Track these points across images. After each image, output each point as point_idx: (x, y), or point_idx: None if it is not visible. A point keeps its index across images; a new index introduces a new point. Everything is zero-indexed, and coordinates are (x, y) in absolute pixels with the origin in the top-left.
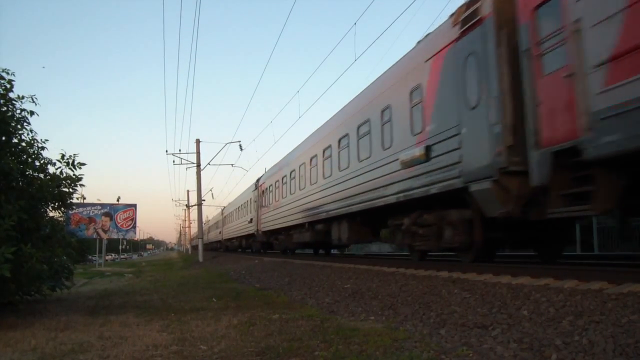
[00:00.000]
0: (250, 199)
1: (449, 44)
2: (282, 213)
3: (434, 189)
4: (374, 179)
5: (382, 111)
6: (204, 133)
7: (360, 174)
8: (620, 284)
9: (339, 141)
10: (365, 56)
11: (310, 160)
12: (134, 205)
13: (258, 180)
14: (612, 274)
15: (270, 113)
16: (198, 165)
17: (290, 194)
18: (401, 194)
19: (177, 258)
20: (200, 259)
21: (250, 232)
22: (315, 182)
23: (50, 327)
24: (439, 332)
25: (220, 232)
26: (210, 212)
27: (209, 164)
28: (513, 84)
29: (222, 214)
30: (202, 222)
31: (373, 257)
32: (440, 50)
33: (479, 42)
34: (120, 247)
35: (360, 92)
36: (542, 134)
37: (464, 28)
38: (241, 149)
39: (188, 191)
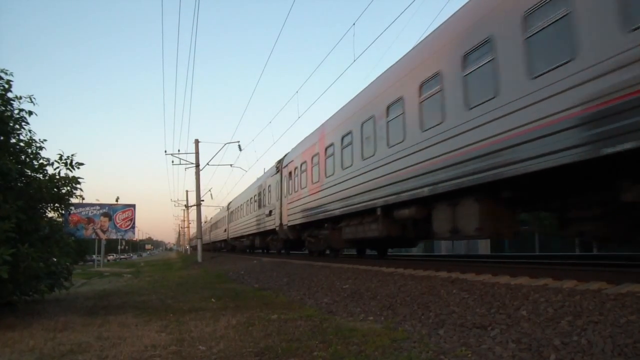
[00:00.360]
0: (269, 185)
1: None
2: (327, 198)
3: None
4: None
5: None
6: (203, 133)
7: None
8: (619, 284)
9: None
10: (364, 57)
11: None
12: (133, 206)
13: (281, 161)
14: (611, 275)
15: (269, 113)
16: (197, 166)
17: (343, 168)
18: (266, 227)
19: (176, 258)
20: (199, 259)
21: (269, 227)
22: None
23: (49, 328)
24: (437, 333)
25: (225, 230)
26: (210, 212)
27: (207, 164)
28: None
29: (228, 209)
30: (201, 223)
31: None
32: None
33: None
34: (119, 247)
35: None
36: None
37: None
38: (240, 149)
39: (187, 191)
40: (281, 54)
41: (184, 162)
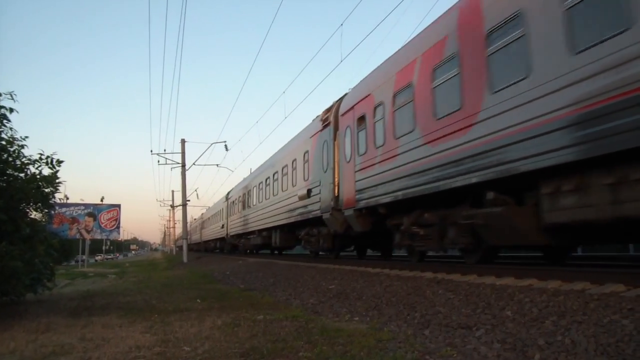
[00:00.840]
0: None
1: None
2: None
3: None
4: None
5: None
6: (190, 133)
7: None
8: (602, 284)
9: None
10: (351, 57)
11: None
12: (118, 206)
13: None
14: (595, 275)
15: (256, 113)
16: (183, 166)
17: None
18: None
19: (161, 259)
20: (185, 259)
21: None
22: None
23: (31, 329)
24: (423, 333)
25: (223, 227)
26: (196, 213)
27: (194, 164)
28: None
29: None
30: (186, 223)
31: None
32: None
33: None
34: (103, 247)
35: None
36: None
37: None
38: (227, 149)
39: (173, 191)
40: (268, 54)
41: (170, 162)
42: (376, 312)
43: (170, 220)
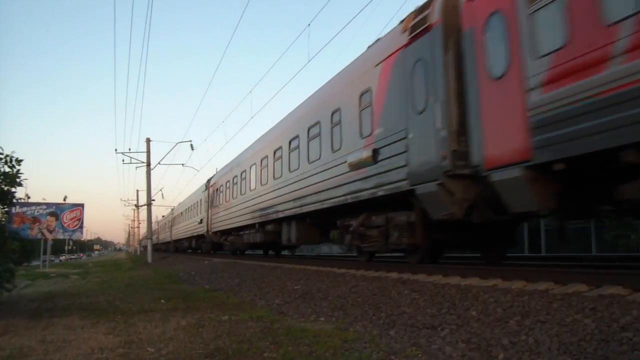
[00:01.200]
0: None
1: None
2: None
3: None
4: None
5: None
6: (155, 132)
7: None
8: (565, 284)
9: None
10: (318, 57)
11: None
12: (81, 205)
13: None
14: (558, 275)
15: (222, 113)
16: (148, 165)
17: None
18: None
19: (126, 259)
20: (149, 259)
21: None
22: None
23: None
24: (388, 333)
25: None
26: (160, 212)
27: (159, 163)
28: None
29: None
30: (151, 222)
31: (323, 258)
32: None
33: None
34: (66, 247)
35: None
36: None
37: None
38: (192, 149)
39: (137, 191)
40: (235, 53)
41: (135, 161)
42: (342, 313)
43: (134, 220)
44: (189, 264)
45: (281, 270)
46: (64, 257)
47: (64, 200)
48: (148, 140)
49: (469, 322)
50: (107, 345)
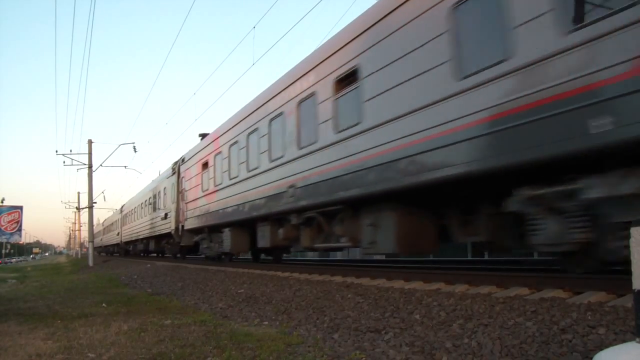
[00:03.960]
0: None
1: (170, 176)
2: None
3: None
4: None
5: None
6: (97, 133)
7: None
8: (507, 288)
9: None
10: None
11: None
12: (20, 207)
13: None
14: (501, 279)
15: (166, 115)
16: (90, 167)
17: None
18: (161, 230)
19: (66, 262)
20: (91, 263)
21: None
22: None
23: None
24: (332, 337)
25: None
26: (102, 215)
27: (101, 165)
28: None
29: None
30: (92, 225)
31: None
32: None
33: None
34: (3, 251)
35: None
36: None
37: (172, 172)
38: (135, 151)
39: (79, 193)
40: (180, 55)
41: (76, 163)
42: (285, 317)
43: (75, 223)
44: (131, 268)
45: (225, 274)
46: (14, 259)
47: (2, 202)
48: (90, 142)
49: (412, 325)
50: (46, 351)
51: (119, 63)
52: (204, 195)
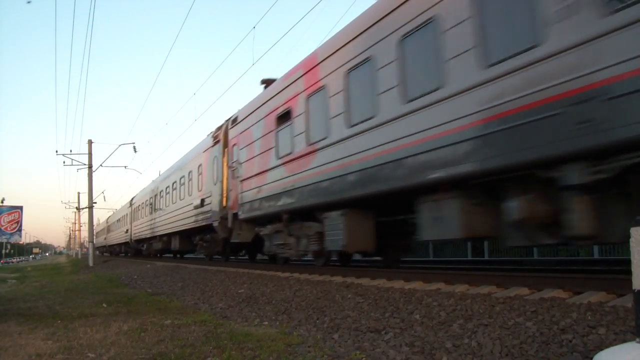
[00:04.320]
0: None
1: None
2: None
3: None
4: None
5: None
6: (97, 134)
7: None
8: (507, 288)
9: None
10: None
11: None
12: (20, 208)
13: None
14: (500, 279)
15: (166, 115)
16: (90, 167)
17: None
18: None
19: (66, 262)
20: (91, 263)
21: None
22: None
23: None
24: (332, 337)
25: (127, 231)
26: (103, 215)
27: (101, 165)
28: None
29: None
30: (92, 225)
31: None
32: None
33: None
34: (3, 251)
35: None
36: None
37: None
38: (135, 151)
39: (79, 193)
40: (179, 55)
41: (77, 163)
42: (285, 317)
43: (75, 223)
44: (131, 268)
45: (225, 274)
46: (15, 259)
47: (2, 202)
48: (90, 142)
49: (412, 325)
50: (46, 351)
51: (119, 63)
52: (282, 164)
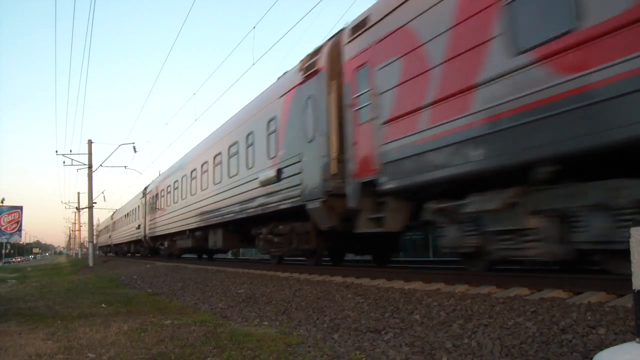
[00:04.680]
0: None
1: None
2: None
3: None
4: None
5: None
6: (97, 133)
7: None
8: (507, 288)
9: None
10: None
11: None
12: (20, 208)
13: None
14: (500, 279)
15: (166, 115)
16: (90, 167)
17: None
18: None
19: (66, 262)
20: (91, 263)
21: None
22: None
23: None
24: (332, 337)
25: (139, 227)
26: (102, 215)
27: (101, 165)
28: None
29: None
30: (92, 225)
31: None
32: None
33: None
34: (3, 251)
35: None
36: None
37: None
38: (135, 151)
39: (79, 193)
40: (180, 55)
41: (76, 163)
42: (285, 317)
43: (75, 223)
44: (131, 268)
45: (225, 274)
46: (18, 259)
47: (2, 202)
48: (90, 142)
49: (412, 325)
50: (46, 351)
51: (119, 63)
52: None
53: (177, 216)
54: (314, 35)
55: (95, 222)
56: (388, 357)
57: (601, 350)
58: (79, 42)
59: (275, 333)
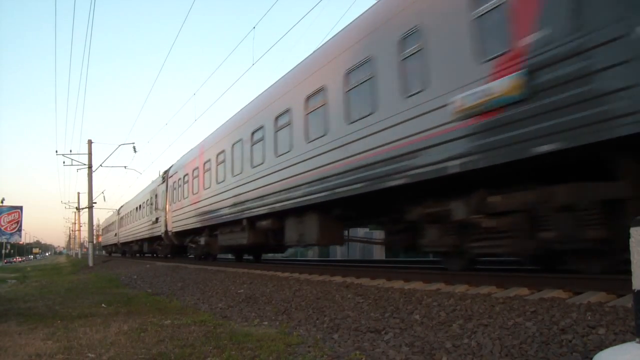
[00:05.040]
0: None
1: (160, 185)
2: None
3: None
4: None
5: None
6: (97, 133)
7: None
8: (507, 288)
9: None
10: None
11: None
12: (20, 208)
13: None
14: (500, 279)
15: (166, 115)
16: (89, 167)
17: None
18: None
19: (66, 262)
20: (91, 263)
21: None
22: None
23: None
24: (332, 337)
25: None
26: (102, 215)
27: (101, 165)
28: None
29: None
30: (92, 225)
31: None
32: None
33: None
34: (3, 251)
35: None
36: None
37: (163, 179)
38: (135, 151)
39: (79, 193)
40: (180, 55)
41: (76, 163)
42: (285, 317)
43: (75, 223)
44: (131, 268)
45: (225, 274)
46: (19, 258)
47: (1, 202)
48: (90, 142)
49: (412, 325)
50: (46, 351)
51: (119, 63)
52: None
53: (223, 200)
54: (314, 35)
55: (95, 222)
56: (388, 357)
57: (601, 350)
58: (78, 42)
59: (275, 333)
